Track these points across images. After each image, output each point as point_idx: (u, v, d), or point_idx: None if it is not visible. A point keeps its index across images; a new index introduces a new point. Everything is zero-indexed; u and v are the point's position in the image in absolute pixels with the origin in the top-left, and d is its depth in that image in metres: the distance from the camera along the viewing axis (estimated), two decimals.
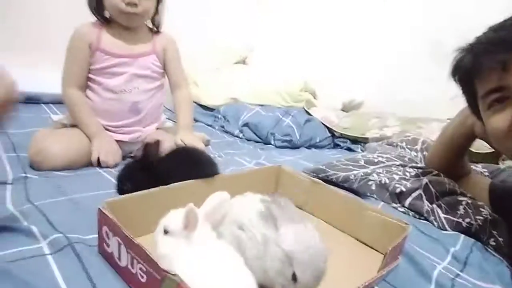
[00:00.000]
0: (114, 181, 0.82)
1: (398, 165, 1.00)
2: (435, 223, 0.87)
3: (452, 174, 1.00)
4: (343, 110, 1.83)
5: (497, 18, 0.69)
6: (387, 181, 0.93)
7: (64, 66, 1.01)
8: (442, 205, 0.89)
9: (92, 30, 1.00)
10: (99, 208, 0.51)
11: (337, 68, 2.01)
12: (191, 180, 0.66)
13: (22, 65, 1.45)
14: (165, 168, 0.70)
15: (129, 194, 0.58)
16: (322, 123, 1.57)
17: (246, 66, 2.07)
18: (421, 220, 0.88)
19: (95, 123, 1.00)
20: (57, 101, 1.43)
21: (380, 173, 0.96)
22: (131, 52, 1.04)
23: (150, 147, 0.73)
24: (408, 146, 1.19)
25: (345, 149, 1.50)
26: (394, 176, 0.95)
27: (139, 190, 0.60)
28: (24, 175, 0.82)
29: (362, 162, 1.01)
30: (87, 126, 0.99)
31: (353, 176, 0.96)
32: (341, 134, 1.54)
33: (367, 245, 0.71)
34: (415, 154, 1.17)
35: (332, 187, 0.78)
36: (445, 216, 0.87)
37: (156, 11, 1.06)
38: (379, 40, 1.90)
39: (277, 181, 0.84)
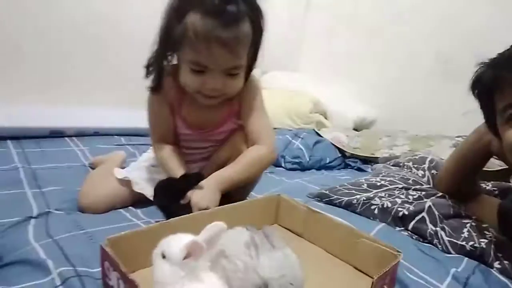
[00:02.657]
0: (129, 217, 0.89)
1: (401, 188, 1.01)
2: (439, 246, 0.88)
3: (463, 194, 1.00)
4: (355, 129, 1.85)
5: (509, 35, 0.71)
6: (390, 205, 0.95)
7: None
8: (446, 228, 0.90)
9: (172, 86, 0.90)
10: (100, 245, 0.56)
11: (349, 86, 2.04)
12: (191, 214, 0.71)
13: (45, 102, 1.59)
14: None
15: (131, 231, 0.63)
16: (332, 143, 1.60)
17: None
18: (425, 244, 0.89)
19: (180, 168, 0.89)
20: (80, 134, 1.54)
21: (382, 197, 0.98)
22: (210, 123, 0.94)
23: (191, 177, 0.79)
24: (415, 166, 1.20)
25: (356, 169, 1.52)
26: (397, 199, 0.96)
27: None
28: (47, 210, 0.89)
29: (365, 186, 1.03)
30: (173, 170, 0.89)
31: (355, 200, 0.98)
32: (351, 154, 1.56)
33: (363, 272, 0.72)
34: (422, 173, 1.17)
35: (328, 215, 0.80)
36: (449, 239, 0.87)
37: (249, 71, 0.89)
38: (391, 57, 1.92)
39: (277, 210, 0.88)
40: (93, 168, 1.24)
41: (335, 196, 1.00)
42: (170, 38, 0.80)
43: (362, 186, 1.03)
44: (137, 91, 1.61)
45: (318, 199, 1.03)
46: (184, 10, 0.77)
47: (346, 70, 2.10)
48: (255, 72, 0.95)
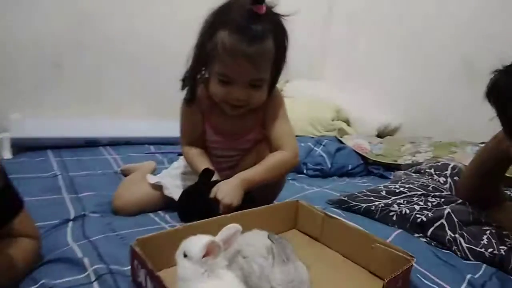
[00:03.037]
0: (158, 220, 0.95)
1: (420, 195, 1.02)
2: (458, 252, 0.88)
3: (484, 201, 1.00)
4: (379, 136, 1.85)
5: None
6: (408, 211, 0.96)
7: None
8: (465, 234, 0.90)
9: (204, 96, 0.97)
10: (130, 245, 0.62)
11: (372, 93, 2.04)
12: (212, 218, 0.76)
13: (81, 114, 1.71)
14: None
15: (158, 232, 0.69)
16: (355, 150, 1.61)
17: None
18: (444, 250, 0.89)
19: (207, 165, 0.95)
20: (113, 143, 1.65)
21: (400, 203, 0.99)
22: (236, 132, 1.00)
23: (203, 176, 0.87)
24: (437, 172, 1.20)
25: (378, 176, 1.52)
26: (415, 206, 0.97)
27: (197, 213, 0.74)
28: (83, 213, 0.97)
29: (383, 193, 1.04)
30: (199, 168, 0.95)
31: (374, 207, 1.00)
32: (374, 161, 1.56)
33: (377, 276, 0.74)
34: (444, 180, 1.17)
35: (344, 220, 0.83)
36: (468, 245, 0.88)
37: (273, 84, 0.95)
38: (415, 63, 1.91)
39: (295, 215, 0.91)
40: (124, 175, 1.33)
41: (354, 203, 1.02)
42: (203, 53, 0.88)
43: (381, 193, 1.05)
44: (165, 104, 1.72)
45: (337, 205, 1.05)
46: (215, 28, 0.85)
47: (369, 77, 2.11)
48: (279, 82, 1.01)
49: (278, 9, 0.89)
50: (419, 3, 1.87)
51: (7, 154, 1.40)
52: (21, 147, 1.47)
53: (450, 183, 1.15)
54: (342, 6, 2.27)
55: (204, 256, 0.52)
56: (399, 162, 1.47)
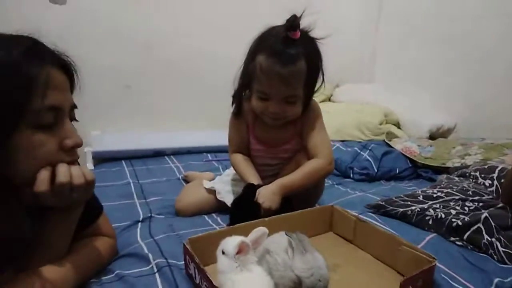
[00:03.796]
0: (211, 222, 1.09)
1: (457, 200, 1.03)
2: (494, 256, 0.89)
3: None
4: (432, 138, 1.82)
5: None
6: (443, 215, 0.98)
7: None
8: (502, 239, 0.91)
9: (249, 110, 1.09)
10: (183, 243, 0.76)
11: (424, 94, 2.01)
12: (252, 221, 0.88)
13: (149, 128, 1.94)
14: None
15: (207, 233, 0.82)
16: (403, 154, 1.62)
17: (331, 103, 2.22)
18: (481, 254, 0.91)
19: (251, 173, 1.07)
20: (176, 153, 1.85)
21: (436, 208, 1.01)
22: (276, 142, 1.11)
23: (248, 190, 0.98)
24: (482, 175, 1.18)
25: (427, 179, 1.52)
26: (451, 210, 0.99)
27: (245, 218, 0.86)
28: (150, 215, 1.15)
29: (420, 198, 1.07)
30: (245, 176, 1.08)
31: (410, 211, 1.04)
32: (423, 164, 1.56)
33: (403, 276, 0.80)
34: (490, 182, 1.15)
35: (374, 224, 0.90)
36: (504, 249, 0.89)
37: (309, 98, 1.05)
38: (468, 62, 1.85)
39: (331, 219, 0.99)
40: (185, 181, 1.50)
41: (391, 207, 1.07)
42: (246, 74, 1.03)
43: (418, 197, 1.08)
44: (219, 116, 1.88)
45: (375, 210, 1.10)
46: (255, 53, 0.99)
47: (420, 79, 2.07)
48: (328, 87, 1.11)
49: (315, 31, 1.00)
50: (470, 2, 1.81)
51: (90, 165, 1.65)
52: (101, 159, 1.73)
53: (496, 185, 1.14)
54: (392, 8, 2.26)
55: (237, 253, 0.64)
56: (447, 165, 1.46)
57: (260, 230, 0.66)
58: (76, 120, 0.68)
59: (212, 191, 1.20)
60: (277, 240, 0.69)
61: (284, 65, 0.94)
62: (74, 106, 0.67)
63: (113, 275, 0.77)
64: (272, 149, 1.13)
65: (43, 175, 0.59)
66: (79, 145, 0.65)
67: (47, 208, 0.65)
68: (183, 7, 1.90)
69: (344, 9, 2.27)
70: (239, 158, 1.13)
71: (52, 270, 0.65)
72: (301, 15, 0.94)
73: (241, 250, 0.64)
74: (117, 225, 1.02)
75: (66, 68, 0.64)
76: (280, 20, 0.97)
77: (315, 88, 1.04)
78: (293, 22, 0.93)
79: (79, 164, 0.72)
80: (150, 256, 0.84)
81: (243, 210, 1.01)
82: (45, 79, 0.58)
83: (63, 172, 0.60)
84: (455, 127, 1.84)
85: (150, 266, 0.81)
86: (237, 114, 1.12)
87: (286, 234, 0.69)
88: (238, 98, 1.09)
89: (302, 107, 1.03)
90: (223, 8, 1.99)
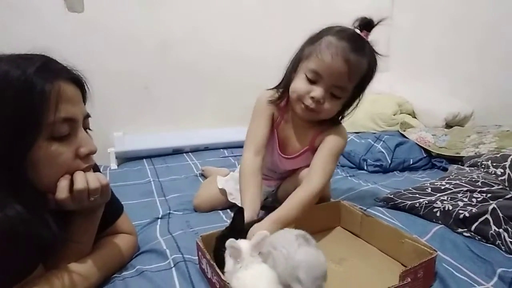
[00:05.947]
0: (225, 219, 1.14)
1: (465, 191, 1.04)
2: (502, 247, 0.91)
3: None
4: (450, 126, 1.80)
5: None
6: (451, 207, 1.00)
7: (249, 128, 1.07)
8: (510, 229, 0.92)
9: (283, 105, 1.05)
10: (196, 240, 0.82)
11: (440, 82, 1.98)
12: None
13: (168, 127, 2.02)
14: None
15: (217, 230, 0.88)
16: (417, 144, 1.62)
17: None
18: (488, 244, 0.92)
19: (249, 198, 0.95)
20: (194, 150, 1.92)
21: (444, 200, 1.03)
22: (292, 148, 1.08)
23: (236, 217, 0.89)
24: (494, 164, 1.18)
25: (441, 169, 1.52)
26: (459, 202, 1.01)
27: None
28: (168, 212, 1.22)
29: (429, 190, 1.09)
30: (242, 198, 0.98)
31: (418, 204, 1.05)
32: (437, 154, 1.56)
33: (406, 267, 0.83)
34: (502, 171, 1.14)
35: (378, 219, 0.92)
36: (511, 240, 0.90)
37: (344, 109, 1.02)
38: (484, 48, 1.81)
39: (339, 214, 1.03)
40: (203, 175, 1.57)
41: (399, 200, 1.09)
42: (300, 55, 0.97)
43: (426, 190, 1.09)
44: (234, 113, 1.94)
45: (384, 203, 1.13)
46: (321, 35, 0.94)
47: (436, 66, 2.03)
48: None
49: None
50: None
51: (114, 165, 1.75)
52: (123, 158, 1.82)
53: (508, 174, 1.13)
54: None
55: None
56: (462, 154, 1.45)
57: (262, 234, 0.71)
58: (90, 129, 0.73)
59: (223, 191, 1.22)
60: (283, 235, 0.73)
61: (354, 52, 0.89)
62: (87, 116, 0.72)
63: (134, 270, 0.84)
64: (285, 159, 1.09)
65: (63, 184, 0.66)
66: (93, 152, 0.70)
67: (72, 211, 0.72)
68: (197, 8, 1.95)
69: None
70: (248, 169, 1.01)
71: (77, 267, 0.72)
72: (377, 21, 0.92)
73: (232, 255, 0.70)
74: (138, 223, 1.09)
75: (77, 82, 0.69)
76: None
77: (358, 100, 1.00)
78: (369, 23, 0.92)
79: (98, 169, 0.79)
80: (168, 252, 0.90)
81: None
82: (58, 94, 0.63)
83: (80, 179, 0.67)
84: (472, 114, 1.81)
85: (168, 261, 0.87)
86: (278, 98, 1.03)
87: (295, 230, 0.73)
88: (285, 83, 1.01)
89: (338, 109, 0.98)
90: (237, 7, 2.02)
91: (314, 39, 0.96)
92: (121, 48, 1.84)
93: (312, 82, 0.94)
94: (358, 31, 0.93)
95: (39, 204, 0.65)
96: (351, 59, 0.89)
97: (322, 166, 0.97)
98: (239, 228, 0.85)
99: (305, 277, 0.64)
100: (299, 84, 0.96)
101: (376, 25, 0.93)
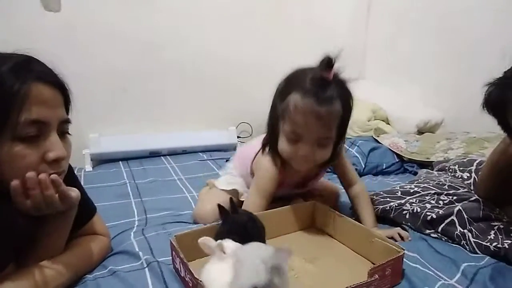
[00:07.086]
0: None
1: (433, 194, 1.08)
2: (466, 247, 0.95)
3: (502, 199, 1.04)
4: (421, 132, 1.87)
5: None
6: (419, 210, 1.04)
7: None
8: (473, 230, 0.96)
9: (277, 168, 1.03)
10: (170, 240, 0.82)
11: (413, 90, 2.05)
12: None
13: (145, 130, 2.00)
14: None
15: (193, 229, 0.88)
16: (390, 149, 1.67)
17: None
18: (453, 245, 0.97)
19: None
20: (171, 153, 1.92)
21: (413, 203, 1.07)
22: (303, 182, 1.14)
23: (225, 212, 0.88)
24: (461, 168, 1.23)
25: (413, 173, 1.57)
26: (427, 205, 1.05)
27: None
28: (144, 216, 1.21)
29: (399, 194, 1.13)
30: None
31: (389, 207, 1.09)
32: (409, 159, 1.61)
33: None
34: (468, 175, 1.20)
35: (350, 219, 0.95)
36: (475, 240, 0.94)
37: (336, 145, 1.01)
38: (456, 57, 1.89)
39: (313, 215, 1.05)
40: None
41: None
42: (275, 115, 0.98)
43: (397, 193, 1.13)
44: (212, 116, 1.95)
45: None
46: (287, 92, 0.94)
47: (410, 74, 2.11)
48: None
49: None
50: None
51: (89, 167, 1.72)
52: (99, 160, 1.79)
53: (474, 178, 1.19)
54: (381, 4, 2.30)
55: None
56: (432, 159, 1.51)
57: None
58: (69, 134, 0.72)
59: (233, 192, 1.16)
60: (253, 253, 0.65)
61: (321, 104, 0.89)
62: (66, 121, 0.70)
63: (106, 270, 0.83)
64: (296, 189, 1.14)
65: (14, 185, 0.62)
66: (61, 158, 0.66)
67: None
68: (178, 8, 1.95)
69: (334, 6, 2.31)
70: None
71: (49, 265, 0.71)
72: (336, 56, 0.90)
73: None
74: (112, 224, 1.08)
75: (59, 86, 0.68)
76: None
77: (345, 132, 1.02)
78: (328, 62, 0.89)
79: (72, 172, 0.78)
80: (141, 253, 0.90)
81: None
82: (30, 94, 0.61)
83: (31, 181, 0.63)
84: (442, 121, 1.88)
85: (140, 261, 0.86)
86: (275, 158, 1.03)
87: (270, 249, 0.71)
88: (274, 145, 1.01)
89: (331, 150, 0.99)
90: (220, 9, 2.04)
91: (283, 95, 0.95)
92: (100, 47, 1.82)
93: (295, 141, 0.95)
94: (322, 72, 0.90)
95: (8, 203, 0.64)
96: (322, 113, 0.89)
97: (349, 168, 1.12)
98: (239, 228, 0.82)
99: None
100: (285, 147, 0.97)
101: (335, 61, 0.90)
